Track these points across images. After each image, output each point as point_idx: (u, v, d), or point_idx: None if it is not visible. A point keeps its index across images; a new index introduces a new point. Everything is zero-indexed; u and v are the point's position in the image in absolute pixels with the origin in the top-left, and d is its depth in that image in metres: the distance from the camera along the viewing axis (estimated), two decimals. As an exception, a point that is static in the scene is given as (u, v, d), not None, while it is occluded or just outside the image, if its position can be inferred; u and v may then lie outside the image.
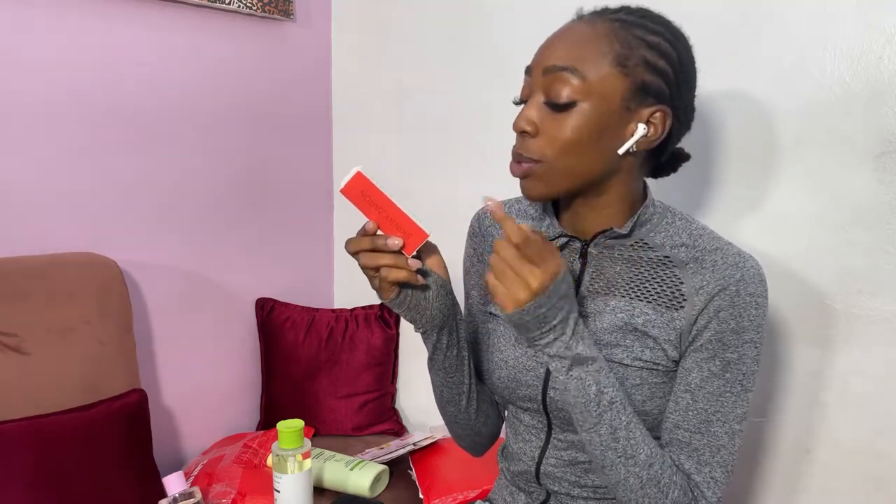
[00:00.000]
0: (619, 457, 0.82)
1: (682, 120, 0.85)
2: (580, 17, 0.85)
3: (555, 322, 0.78)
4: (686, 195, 1.29)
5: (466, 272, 1.05)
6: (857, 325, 1.16)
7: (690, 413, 0.84)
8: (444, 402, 1.00)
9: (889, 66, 1.09)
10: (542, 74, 0.81)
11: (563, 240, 0.92)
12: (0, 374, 1.20)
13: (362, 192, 0.82)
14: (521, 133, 0.83)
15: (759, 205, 1.23)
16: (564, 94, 0.79)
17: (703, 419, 0.84)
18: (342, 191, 0.83)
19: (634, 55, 0.79)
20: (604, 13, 0.83)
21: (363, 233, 0.84)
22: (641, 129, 0.81)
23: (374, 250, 0.83)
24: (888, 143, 1.11)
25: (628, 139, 0.82)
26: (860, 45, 1.11)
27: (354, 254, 0.84)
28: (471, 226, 1.04)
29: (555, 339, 0.79)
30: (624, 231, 0.86)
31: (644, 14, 0.83)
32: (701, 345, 0.83)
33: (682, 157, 0.94)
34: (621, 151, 0.82)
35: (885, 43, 1.09)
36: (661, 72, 0.80)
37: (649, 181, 0.93)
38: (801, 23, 1.16)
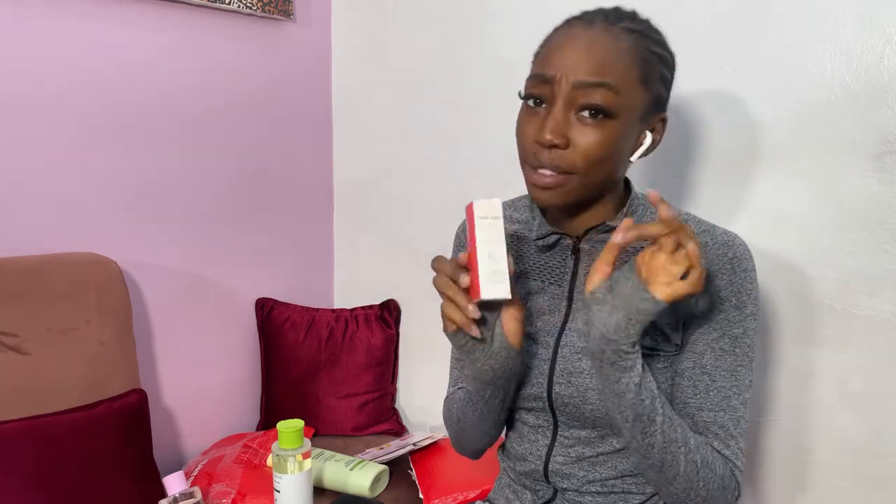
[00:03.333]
0: (680, 447, 0.81)
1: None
2: (590, 22, 0.82)
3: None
4: (686, 195, 1.29)
5: None
6: (857, 325, 1.16)
7: (712, 393, 0.86)
8: (462, 427, 0.98)
9: (889, 66, 1.09)
10: (571, 88, 0.80)
11: (554, 238, 0.93)
12: (0, 374, 1.20)
13: (468, 223, 0.80)
14: (551, 147, 0.81)
15: (759, 205, 1.23)
16: (598, 109, 0.80)
17: (724, 396, 0.86)
18: (467, 208, 0.80)
19: (654, 71, 0.82)
20: (617, 20, 0.82)
21: (454, 260, 0.82)
22: (650, 136, 0.86)
23: (449, 277, 0.81)
24: (888, 143, 1.11)
25: (639, 147, 0.86)
26: (860, 45, 1.11)
27: (436, 270, 0.82)
28: (456, 235, 1.04)
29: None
30: (617, 224, 0.87)
31: (644, 21, 0.85)
32: (708, 326, 0.86)
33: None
34: (633, 159, 0.86)
35: (885, 43, 1.09)
36: (668, 83, 0.85)
37: (639, 178, 0.94)
38: (801, 23, 1.16)
